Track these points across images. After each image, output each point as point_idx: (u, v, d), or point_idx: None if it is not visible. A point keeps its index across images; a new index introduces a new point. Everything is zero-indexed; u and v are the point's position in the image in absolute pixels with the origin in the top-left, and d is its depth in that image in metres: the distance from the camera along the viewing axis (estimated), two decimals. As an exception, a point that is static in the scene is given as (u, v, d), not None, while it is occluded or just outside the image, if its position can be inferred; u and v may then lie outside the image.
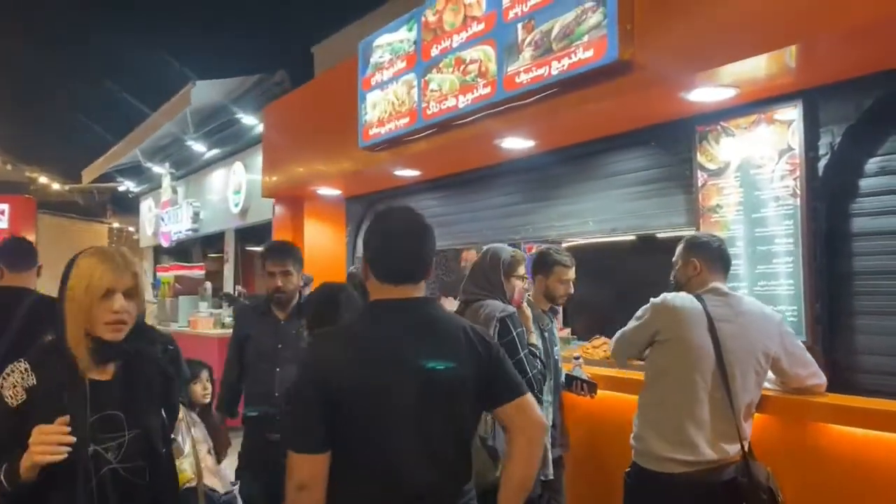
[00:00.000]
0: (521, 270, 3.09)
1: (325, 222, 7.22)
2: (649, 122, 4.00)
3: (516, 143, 4.47)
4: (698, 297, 2.76)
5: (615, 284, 4.64)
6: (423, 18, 4.63)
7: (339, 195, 6.99)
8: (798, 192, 3.33)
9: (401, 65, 4.85)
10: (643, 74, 3.35)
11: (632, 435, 2.83)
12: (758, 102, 3.48)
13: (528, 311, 3.10)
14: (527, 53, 3.79)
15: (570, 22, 3.52)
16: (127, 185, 14.34)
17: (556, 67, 3.61)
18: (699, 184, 3.78)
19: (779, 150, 3.41)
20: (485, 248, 3.21)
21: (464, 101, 4.26)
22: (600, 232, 4.57)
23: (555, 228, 4.90)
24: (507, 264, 3.04)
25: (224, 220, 10.17)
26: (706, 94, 3.40)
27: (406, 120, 4.78)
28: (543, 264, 3.35)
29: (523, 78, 3.81)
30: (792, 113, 3.36)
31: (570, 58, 3.53)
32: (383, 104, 5.02)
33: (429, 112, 4.56)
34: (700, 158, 3.78)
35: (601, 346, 4.32)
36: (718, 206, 3.68)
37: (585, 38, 3.44)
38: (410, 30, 4.75)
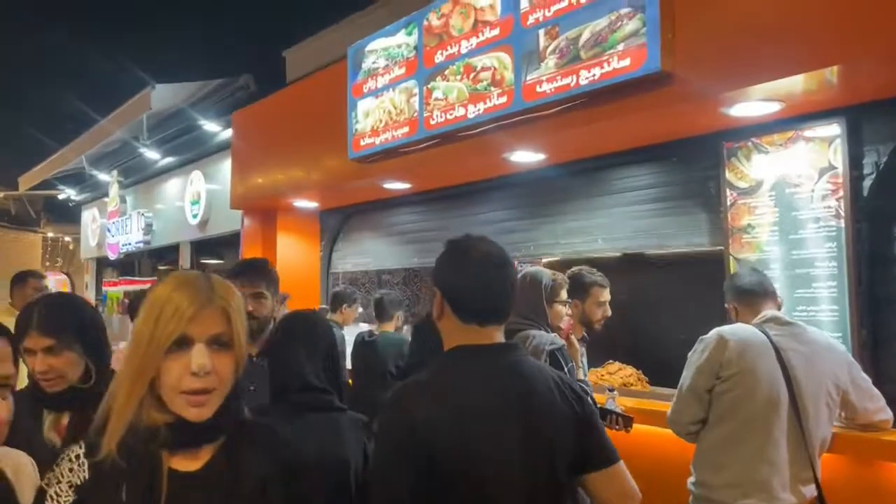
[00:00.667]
0: (564, 295, 2.82)
1: (298, 236, 6.81)
2: (672, 136, 3.81)
3: (526, 156, 4.22)
4: (760, 328, 2.56)
5: (626, 304, 4.43)
6: (424, 22, 4.33)
7: (314, 207, 6.61)
8: (842, 212, 3.17)
9: (399, 71, 4.54)
10: (682, 87, 3.14)
11: (690, 480, 2.59)
12: (794, 119, 3.32)
13: (577, 344, 2.83)
14: (550, 61, 3.54)
15: (603, 29, 3.29)
16: (68, 193, 13.48)
17: (586, 77, 3.37)
18: (728, 202, 3.59)
19: (819, 169, 3.26)
20: (521, 271, 2.93)
21: (474, 111, 3.98)
22: (611, 250, 4.35)
23: (560, 246, 4.67)
24: (549, 289, 2.76)
25: (179, 231, 9.58)
26: (746, 109, 3.21)
27: (405, 130, 4.47)
28: (579, 287, 3.08)
29: (546, 87, 3.56)
30: (833, 130, 3.21)
31: (603, 67, 3.30)
32: (378, 112, 4.70)
33: (432, 122, 4.26)
34: (729, 176, 3.60)
35: (617, 372, 4.10)
36: (750, 226, 3.51)
37: (621, 47, 3.22)
38: (410, 34, 4.45)
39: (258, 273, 2.67)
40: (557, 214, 4.67)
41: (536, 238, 4.83)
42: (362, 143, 4.84)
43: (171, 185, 9.89)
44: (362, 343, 4.61)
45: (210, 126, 8.22)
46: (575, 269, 3.18)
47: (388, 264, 6.32)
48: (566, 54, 3.47)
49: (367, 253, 6.46)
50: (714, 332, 2.62)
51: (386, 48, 4.65)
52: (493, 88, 3.86)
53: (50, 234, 21.22)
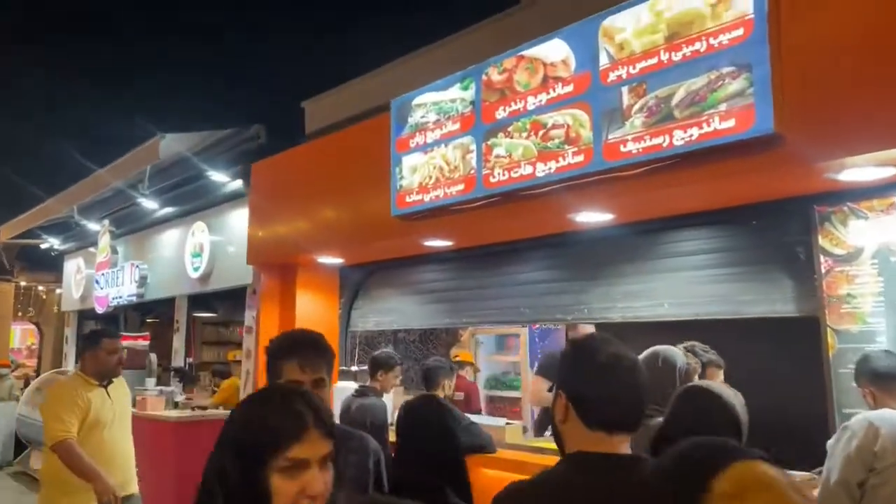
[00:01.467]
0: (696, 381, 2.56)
1: (317, 292, 6.47)
2: (754, 199, 3.63)
3: (594, 216, 4.00)
4: None
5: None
6: (483, 77, 4.15)
7: (338, 263, 6.28)
8: (958, 284, 2.99)
9: (452, 126, 4.32)
10: (789, 149, 2.96)
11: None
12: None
13: None
14: (637, 120, 3.35)
15: (701, 88, 3.12)
16: (50, 242, 12.93)
17: (681, 137, 3.18)
18: (823, 270, 3.40)
19: (928, 237, 3.09)
20: (649, 351, 2.66)
21: (543, 170, 3.76)
22: (678, 316, 4.12)
23: (617, 310, 4.43)
24: (684, 373, 2.50)
25: (176, 285, 9.15)
26: (856, 174, 3.04)
27: (460, 187, 4.23)
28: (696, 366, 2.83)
29: (632, 147, 3.36)
30: (944, 196, 3.05)
31: (702, 127, 3.11)
32: (427, 168, 4.46)
33: (492, 180, 4.04)
34: (822, 242, 3.41)
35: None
36: (850, 295, 3.31)
37: (723, 107, 3.04)
38: (466, 88, 4.25)
39: (321, 355, 2.14)
40: (616, 276, 4.45)
41: (589, 301, 4.59)
42: (408, 199, 4.59)
43: (169, 236, 9.49)
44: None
45: (217, 176, 7.91)
46: (687, 344, 2.93)
47: (415, 324, 6.01)
48: (655, 113, 3.28)
49: (391, 311, 6.15)
50: (861, 419, 2.39)
51: (437, 102, 4.44)
52: (567, 147, 3.65)
53: (23, 283, 20.43)
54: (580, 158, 3.59)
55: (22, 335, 20.41)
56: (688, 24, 3.18)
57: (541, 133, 3.78)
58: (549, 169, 3.73)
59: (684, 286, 4.07)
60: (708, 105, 3.09)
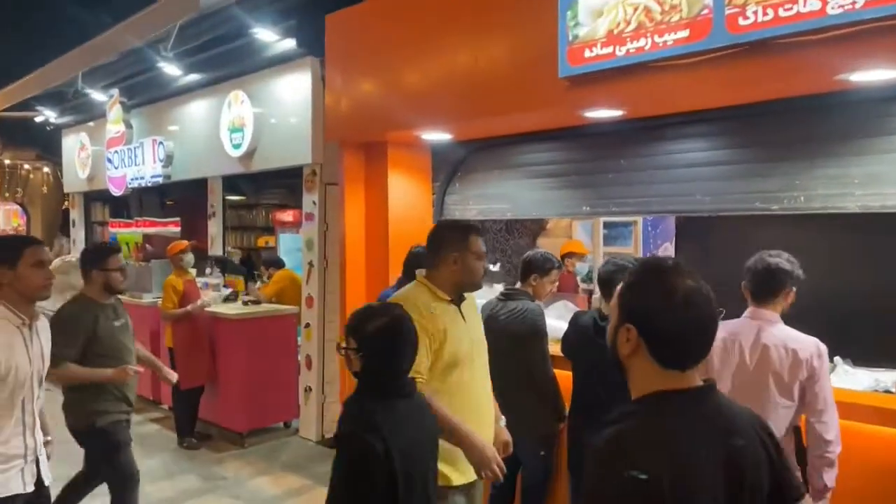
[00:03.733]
0: None
1: (408, 174, 5.44)
2: None
3: (878, 75, 2.98)
4: None
5: None
6: None
7: (444, 140, 5.20)
8: None
9: (671, -51, 3.16)
10: None
11: None
12: None
13: None
14: None
15: None
16: (46, 115, 11.51)
17: None
18: None
19: None
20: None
21: (840, 5, 2.68)
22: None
23: (854, 197, 3.49)
24: None
25: (209, 164, 8.04)
26: None
27: (684, 34, 3.14)
28: None
29: None
30: None
31: None
32: (622, 10, 3.35)
33: (743, 22, 2.95)
34: None
35: None
36: None
37: None
38: None
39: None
40: (850, 155, 3.48)
41: (809, 185, 3.64)
42: (589, 53, 3.49)
43: (196, 108, 8.25)
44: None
45: (263, 34, 6.60)
46: None
47: (535, 212, 5.07)
48: None
49: (500, 198, 5.16)
50: None
51: (642, -85, 3.25)
52: (884, -29, 2.56)
53: (7, 161, 18.98)
54: (903, -12, 2.51)
55: (6, 216, 19.20)
56: None
57: (838, -49, 2.67)
58: (853, 3, 2.65)
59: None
60: None
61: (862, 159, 3.46)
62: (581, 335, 3.55)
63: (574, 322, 3.70)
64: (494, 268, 5.20)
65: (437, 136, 4.93)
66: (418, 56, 4.67)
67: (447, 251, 2.65)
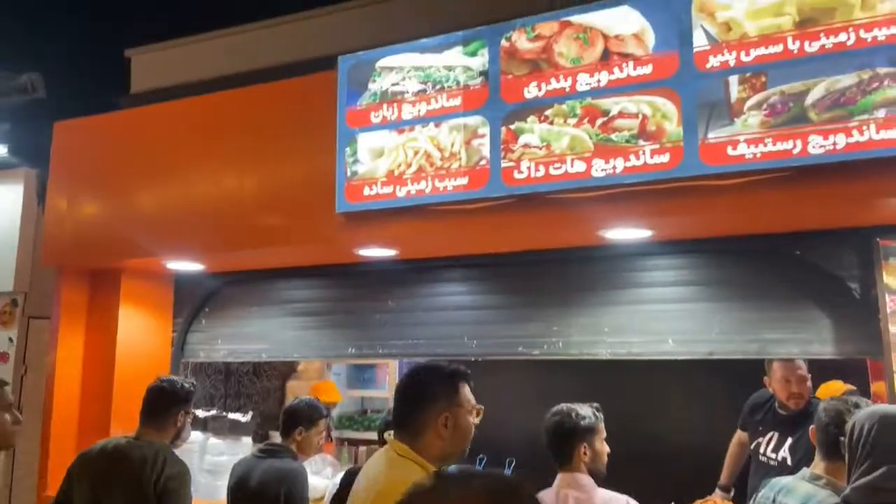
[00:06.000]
0: None
1: (143, 308, 4.71)
2: (803, 227, 3.25)
3: (630, 234, 3.29)
4: None
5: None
6: (503, 42, 3.20)
7: (168, 271, 4.66)
8: None
9: (450, 102, 3.28)
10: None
11: None
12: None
13: None
14: (752, 118, 2.73)
15: (850, 88, 2.60)
16: None
17: (820, 145, 2.63)
18: (888, 310, 3.10)
19: None
20: (865, 412, 1.98)
21: (605, 169, 2.95)
22: (688, 354, 3.58)
23: (605, 344, 3.74)
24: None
25: None
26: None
27: (462, 181, 3.20)
28: None
29: (746, 151, 2.73)
30: None
31: (851, 136, 2.59)
32: (403, 153, 3.34)
33: (518, 175, 3.10)
34: (888, 279, 3.12)
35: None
36: (920, 338, 3.05)
37: (882, 113, 2.56)
38: (473, 54, 3.26)
39: None
40: (607, 304, 3.77)
41: (566, 332, 3.84)
42: (368, 191, 3.40)
43: None
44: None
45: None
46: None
47: (297, 354, 4.67)
48: (781, 112, 2.69)
49: (256, 337, 4.70)
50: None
51: (422, 67, 3.36)
52: (642, 142, 2.89)
53: None
54: (664, 158, 2.85)
55: None
56: (828, 10, 2.66)
57: (600, 122, 2.97)
58: (613, 168, 2.93)
59: (701, 320, 3.54)
60: (859, 109, 2.59)
61: (612, 309, 3.76)
62: None
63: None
64: (245, 418, 4.60)
65: (185, 265, 4.38)
66: (169, 177, 4.20)
67: (435, 407, 1.93)
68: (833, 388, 3.62)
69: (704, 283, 3.58)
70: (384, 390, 6.00)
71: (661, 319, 3.62)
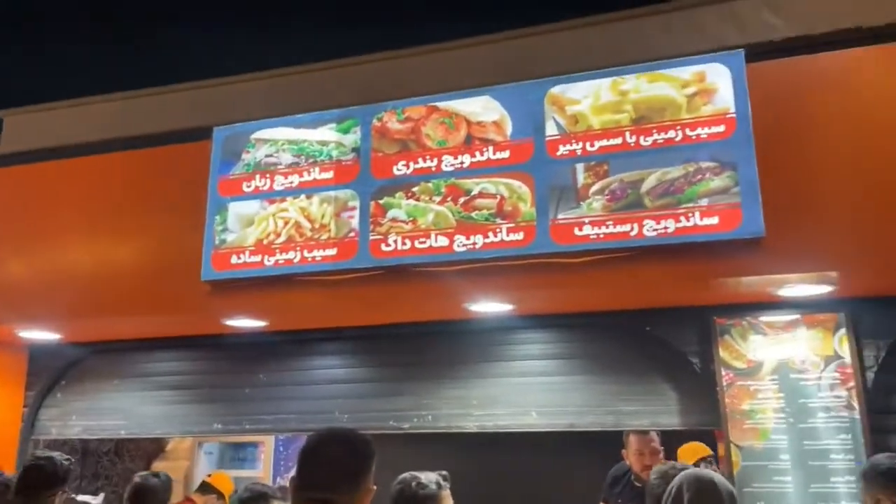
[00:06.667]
0: None
1: (-10, 381, 4.39)
2: (652, 304, 3.50)
3: (494, 307, 3.42)
4: None
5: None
6: (374, 122, 3.36)
7: (22, 341, 4.40)
8: (854, 404, 3.18)
9: (322, 175, 3.38)
10: (772, 254, 2.86)
11: None
12: (797, 304, 3.32)
13: None
14: (596, 203, 2.97)
15: (678, 179, 2.90)
16: None
17: (653, 228, 2.88)
18: (724, 383, 3.35)
19: (824, 357, 3.26)
20: (682, 474, 2.11)
21: (465, 244, 3.09)
22: (550, 426, 3.69)
23: (472, 418, 3.81)
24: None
25: None
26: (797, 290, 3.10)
27: (331, 252, 3.26)
28: None
29: (590, 232, 2.95)
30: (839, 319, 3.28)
31: (679, 221, 2.86)
32: (273, 223, 3.38)
33: (385, 248, 3.19)
34: (723, 354, 3.39)
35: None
36: (752, 411, 3.30)
37: (705, 202, 2.85)
38: (346, 131, 3.40)
39: None
40: (473, 377, 3.85)
41: (436, 405, 3.88)
42: (236, 260, 3.39)
43: None
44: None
45: None
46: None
47: (160, 430, 4.44)
48: (621, 198, 2.95)
49: (114, 412, 4.45)
50: None
51: (296, 142, 3.46)
52: (499, 220, 3.07)
53: None
54: (518, 236, 3.04)
55: None
56: (659, 109, 2.99)
57: (462, 200, 3.14)
58: (474, 244, 3.08)
59: (558, 393, 3.68)
60: (686, 198, 2.88)
61: (480, 382, 3.84)
62: None
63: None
64: (96, 500, 4.28)
65: (40, 334, 4.14)
66: (26, 240, 4.02)
67: (368, 482, 1.67)
68: (692, 449, 3.81)
69: (566, 357, 3.74)
70: (258, 469, 5.75)
71: (526, 392, 3.74)
